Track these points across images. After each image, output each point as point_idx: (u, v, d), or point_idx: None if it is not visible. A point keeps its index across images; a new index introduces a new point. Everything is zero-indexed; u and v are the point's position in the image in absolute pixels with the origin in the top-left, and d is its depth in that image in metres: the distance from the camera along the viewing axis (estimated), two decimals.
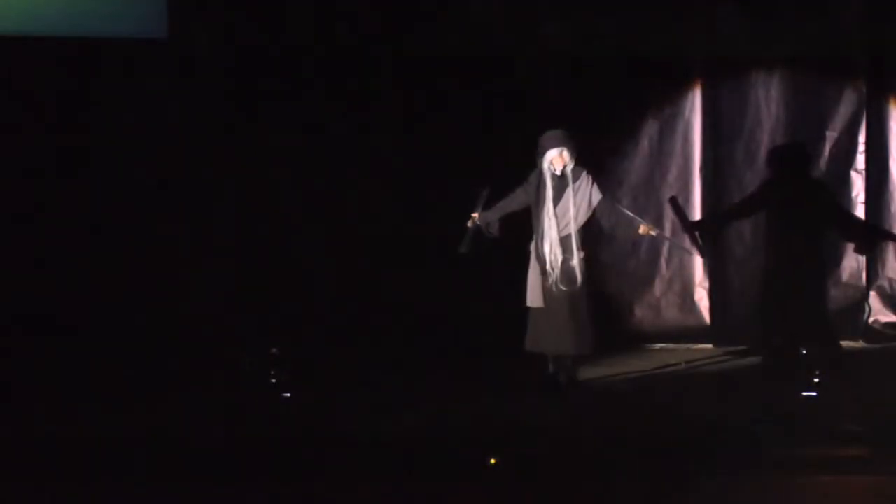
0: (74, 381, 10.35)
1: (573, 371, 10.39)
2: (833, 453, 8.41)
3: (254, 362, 10.42)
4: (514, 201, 10.35)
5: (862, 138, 12.26)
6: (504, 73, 11.82)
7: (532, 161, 10.26)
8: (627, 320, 12.23)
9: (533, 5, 11.77)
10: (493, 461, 8.20)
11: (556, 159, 10.12)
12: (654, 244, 12.12)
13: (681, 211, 11.94)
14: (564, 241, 10.15)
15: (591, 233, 10.40)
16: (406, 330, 11.57)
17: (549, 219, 10.15)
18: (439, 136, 11.73)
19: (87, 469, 8.12)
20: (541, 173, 10.20)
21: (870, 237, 12.08)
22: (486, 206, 10.37)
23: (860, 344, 12.17)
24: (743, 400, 9.98)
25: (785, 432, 8.88)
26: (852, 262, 12.29)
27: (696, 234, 11.72)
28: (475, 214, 10.36)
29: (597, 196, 10.22)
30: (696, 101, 12.26)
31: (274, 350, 10.55)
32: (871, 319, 12.36)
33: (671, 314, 12.34)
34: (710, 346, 12.20)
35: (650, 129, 12.25)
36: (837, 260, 12.25)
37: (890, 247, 12.33)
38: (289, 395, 10.05)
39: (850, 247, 12.18)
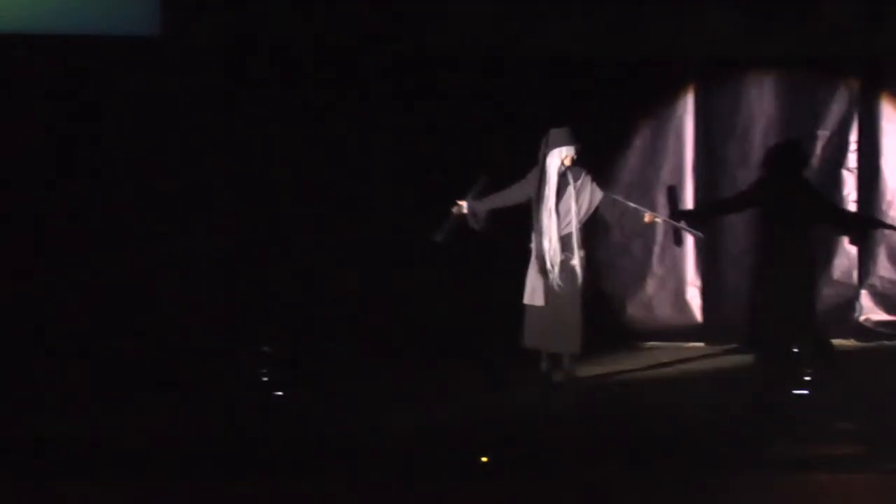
0: (67, 381, 10.33)
1: (571, 368, 10.41)
2: (826, 451, 8.43)
3: (247, 361, 10.42)
4: (508, 197, 10.36)
5: (854, 137, 12.29)
6: (498, 73, 11.82)
7: (528, 159, 10.28)
8: (619, 318, 12.24)
9: (527, 5, 11.78)
10: (484, 459, 8.21)
11: (567, 157, 10.17)
12: (647, 243, 12.14)
13: (675, 202, 11.97)
14: (565, 240, 10.19)
15: (587, 231, 10.42)
16: (401, 328, 11.57)
17: (551, 216, 10.18)
18: (436, 135, 11.74)
19: (79, 469, 8.10)
20: (544, 170, 10.21)
21: (863, 226, 12.11)
22: (478, 196, 10.38)
23: (852, 342, 12.19)
24: (735, 398, 10.00)
25: (777, 431, 8.90)
26: (844, 261, 12.32)
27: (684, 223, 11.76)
28: (462, 202, 10.37)
29: (598, 194, 10.28)
30: (689, 101, 12.27)
31: (266, 349, 10.55)
32: (862, 318, 12.39)
33: (663, 312, 12.35)
34: (702, 344, 12.22)
35: (644, 129, 12.26)
36: (829, 258, 12.28)
37: (882, 245, 12.35)
38: (281, 393, 10.05)
39: (842, 246, 12.21)
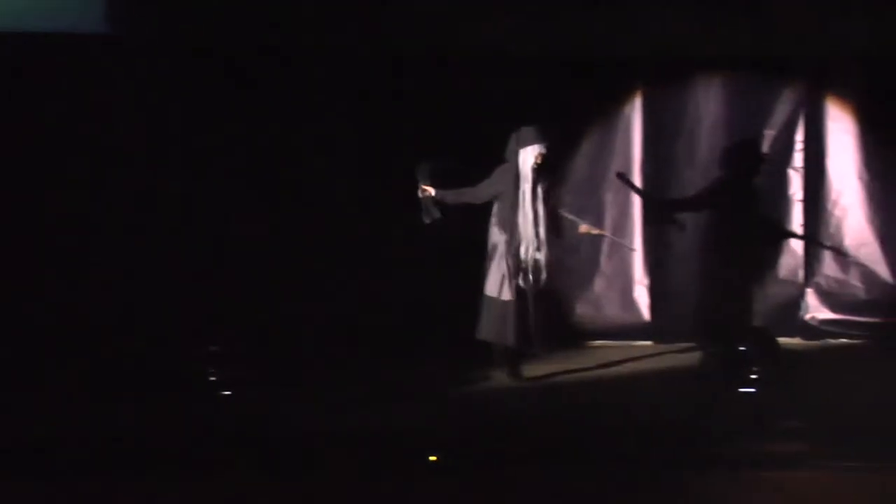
0: (16, 383, 10.25)
1: (519, 365, 10.46)
2: (772, 449, 8.48)
3: (194, 360, 10.39)
4: (476, 195, 10.43)
5: (799, 137, 12.37)
6: (446, 73, 11.82)
7: (483, 157, 10.35)
8: (568, 317, 12.27)
9: (474, 4, 11.78)
10: (433, 459, 8.21)
11: (539, 154, 10.23)
12: (595, 241, 12.16)
13: (632, 185, 12.04)
14: (535, 239, 10.26)
15: None
16: (358, 327, 11.55)
17: (526, 215, 10.26)
18: (387, 132, 11.74)
19: (26, 470, 8.05)
20: (517, 169, 10.27)
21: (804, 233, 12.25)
22: (429, 176, 10.37)
23: (797, 341, 12.26)
24: (682, 397, 10.04)
25: (724, 428, 8.94)
26: (789, 260, 12.39)
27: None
28: (427, 188, 10.39)
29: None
30: (636, 100, 12.32)
31: (214, 348, 10.52)
32: (808, 316, 12.46)
33: (611, 311, 12.39)
34: (650, 342, 12.27)
35: (591, 128, 12.29)
36: (775, 257, 12.36)
37: (826, 245, 12.43)
38: (229, 392, 10.02)
39: (787, 244, 12.30)
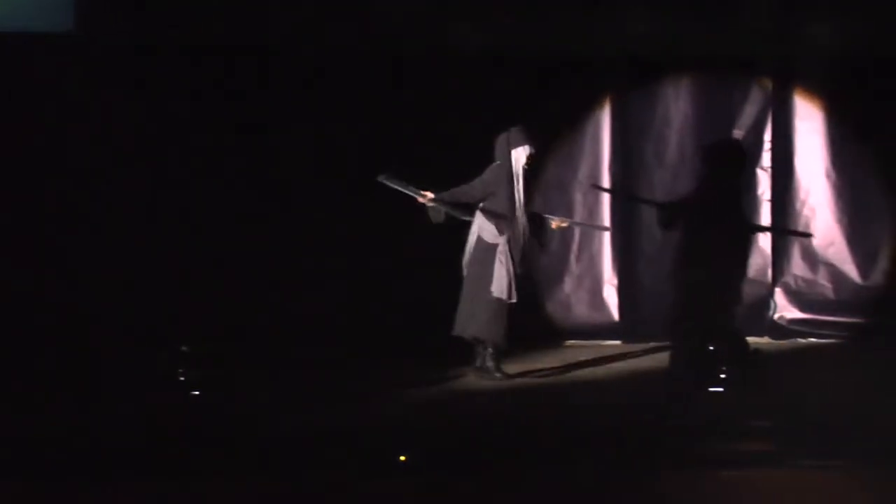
0: None
1: (501, 363, 10.55)
2: (740, 448, 8.49)
3: (165, 360, 10.36)
4: (470, 194, 10.41)
5: (768, 137, 12.40)
6: (415, 74, 11.81)
7: (447, 156, 10.35)
8: (538, 317, 12.27)
9: (444, 5, 11.77)
10: (402, 458, 8.20)
11: (529, 154, 10.26)
12: (565, 239, 12.17)
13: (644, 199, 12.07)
14: (525, 237, 10.28)
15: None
16: (328, 329, 11.53)
17: (521, 215, 10.28)
18: (355, 133, 11.73)
19: None
20: (511, 168, 10.27)
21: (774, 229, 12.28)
22: (392, 176, 10.35)
23: (766, 340, 12.29)
24: (651, 396, 10.04)
25: (693, 428, 8.94)
26: (758, 259, 12.42)
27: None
28: (425, 193, 10.32)
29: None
30: (605, 101, 12.33)
31: (184, 348, 10.49)
32: (776, 316, 12.50)
33: (581, 311, 12.41)
34: (619, 342, 12.28)
35: (561, 129, 12.30)
36: (751, 256, 12.38)
37: (796, 244, 12.48)
38: (198, 392, 9.99)
39: (756, 244, 12.32)
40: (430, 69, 11.80)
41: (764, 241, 12.40)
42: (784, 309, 12.51)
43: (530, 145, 10.37)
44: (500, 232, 10.34)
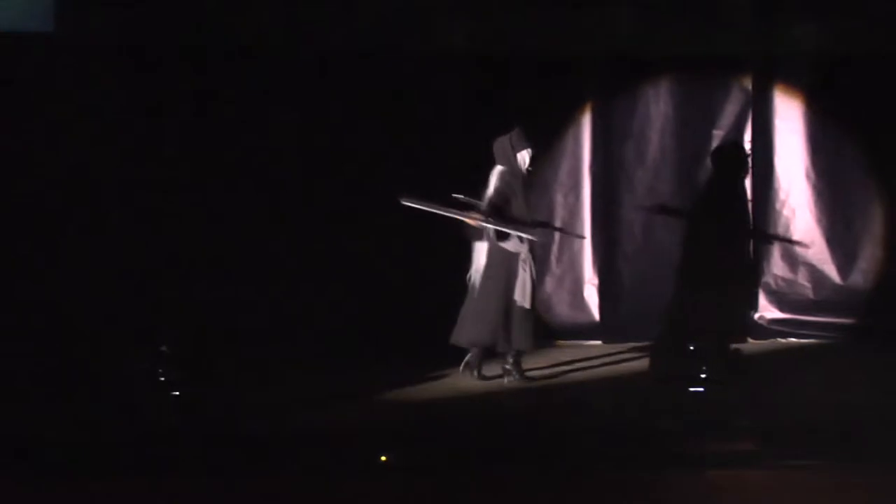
0: None
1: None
2: (723, 448, 8.50)
3: (144, 360, 10.30)
4: (503, 200, 10.27)
5: (748, 137, 12.42)
6: (397, 73, 11.80)
7: (428, 156, 10.34)
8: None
9: (425, 3, 11.76)
10: (383, 459, 8.18)
11: (530, 156, 10.22)
12: (545, 242, 12.16)
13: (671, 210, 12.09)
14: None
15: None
16: (311, 328, 11.51)
17: (527, 216, 10.30)
18: (339, 133, 11.71)
19: None
20: (516, 170, 10.24)
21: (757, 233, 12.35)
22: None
23: (747, 340, 12.30)
24: (633, 396, 10.05)
25: (674, 428, 8.95)
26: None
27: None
28: (475, 215, 10.17)
29: None
30: (586, 100, 12.33)
31: (163, 348, 10.44)
32: (757, 316, 12.52)
33: (561, 311, 12.40)
34: (599, 342, 12.28)
35: (541, 128, 12.27)
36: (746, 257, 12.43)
37: (776, 244, 12.50)
38: (178, 393, 9.95)
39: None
40: (411, 67, 11.78)
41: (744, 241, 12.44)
42: (764, 309, 12.53)
43: (531, 147, 10.34)
44: (521, 240, 10.29)
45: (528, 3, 11.87)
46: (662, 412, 9.28)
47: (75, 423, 9.02)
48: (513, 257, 10.25)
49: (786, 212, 12.48)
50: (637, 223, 12.33)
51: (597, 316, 12.40)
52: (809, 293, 12.48)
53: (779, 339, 12.41)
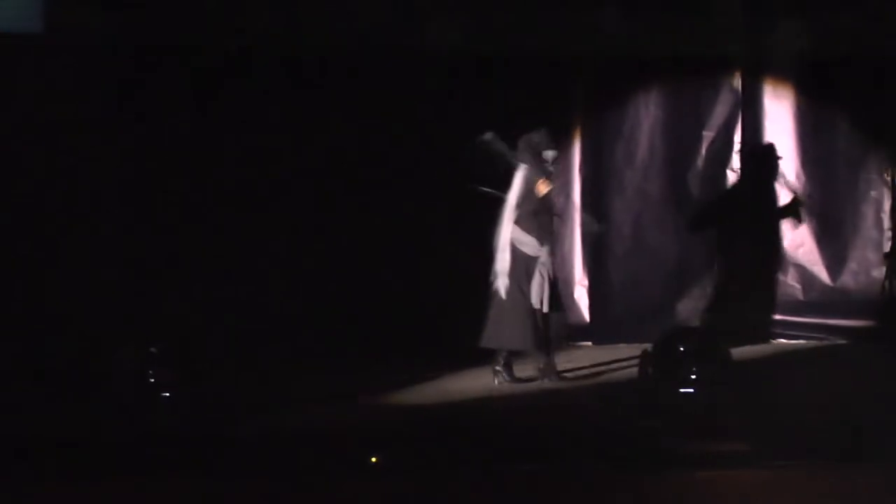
0: None
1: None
2: (713, 448, 8.50)
3: (133, 361, 10.29)
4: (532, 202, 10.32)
5: (737, 138, 12.44)
6: (386, 73, 11.80)
7: (420, 156, 10.35)
8: None
9: (415, 3, 11.76)
10: (374, 460, 8.18)
11: (552, 157, 10.28)
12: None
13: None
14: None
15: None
16: (302, 329, 11.50)
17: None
18: (326, 132, 11.71)
19: None
20: (542, 169, 10.23)
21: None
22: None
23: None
24: (623, 397, 10.06)
25: (665, 428, 8.95)
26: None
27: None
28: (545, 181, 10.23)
29: None
30: (576, 101, 12.33)
31: (153, 349, 10.43)
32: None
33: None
34: (589, 343, 12.28)
35: (530, 130, 12.27)
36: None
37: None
38: (168, 394, 9.93)
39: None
40: (400, 68, 11.78)
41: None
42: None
43: (554, 148, 10.34)
44: (542, 243, 10.29)
45: (517, 4, 11.87)
46: (655, 413, 9.29)
47: (74, 424, 9.01)
48: (531, 260, 10.24)
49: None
50: (627, 224, 12.34)
51: (587, 317, 12.40)
52: (799, 294, 12.50)
53: (770, 340, 12.42)
